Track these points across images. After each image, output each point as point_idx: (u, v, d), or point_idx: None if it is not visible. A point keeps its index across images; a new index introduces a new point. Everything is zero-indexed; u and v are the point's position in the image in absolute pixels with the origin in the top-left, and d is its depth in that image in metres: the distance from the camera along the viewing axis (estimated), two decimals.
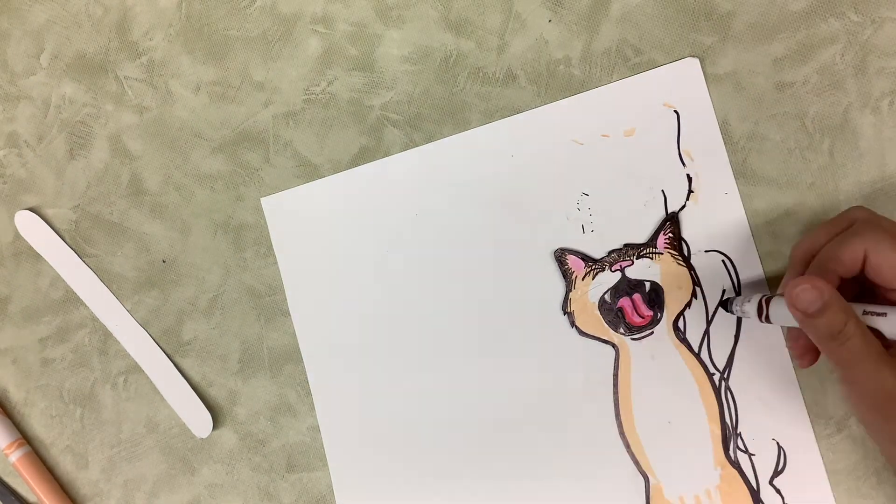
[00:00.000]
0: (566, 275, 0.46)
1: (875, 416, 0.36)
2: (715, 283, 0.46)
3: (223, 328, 0.49)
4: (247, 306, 0.49)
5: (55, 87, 0.50)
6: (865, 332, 0.35)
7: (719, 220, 0.46)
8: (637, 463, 0.45)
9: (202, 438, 0.49)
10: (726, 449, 0.45)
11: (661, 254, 0.46)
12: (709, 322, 0.46)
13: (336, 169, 0.49)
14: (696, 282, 0.46)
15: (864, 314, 0.36)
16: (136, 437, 0.49)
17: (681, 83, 0.47)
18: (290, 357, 0.48)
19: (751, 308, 0.42)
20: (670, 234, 0.46)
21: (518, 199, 0.47)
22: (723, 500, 0.45)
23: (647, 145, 0.47)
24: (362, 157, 0.48)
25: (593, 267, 0.46)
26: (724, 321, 0.46)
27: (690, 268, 0.46)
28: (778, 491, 0.44)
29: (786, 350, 0.45)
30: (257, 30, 0.49)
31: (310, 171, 0.49)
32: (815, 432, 0.45)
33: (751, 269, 0.46)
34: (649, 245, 0.46)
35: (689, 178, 0.46)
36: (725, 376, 0.45)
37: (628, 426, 0.46)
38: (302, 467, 0.48)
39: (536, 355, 0.46)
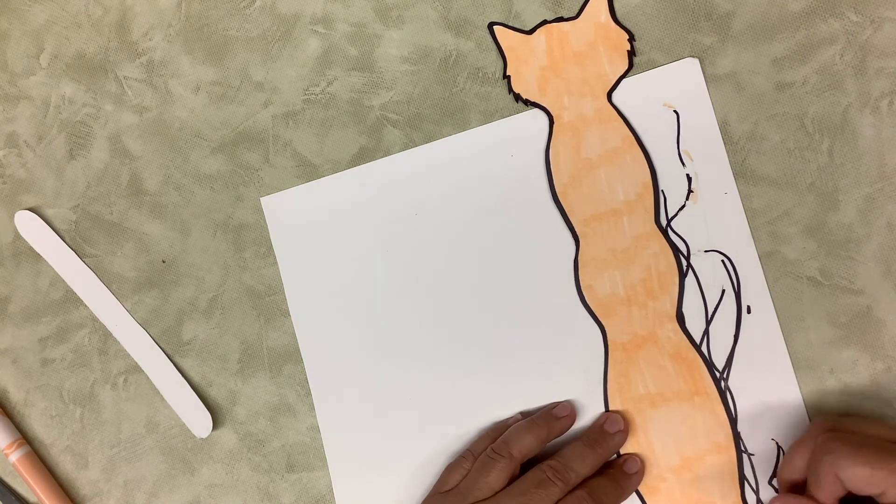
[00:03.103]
0: (502, 51, 0.47)
1: None
2: (714, 283, 0.46)
3: (223, 328, 0.49)
4: (247, 306, 0.49)
5: (55, 87, 0.50)
6: None
7: (719, 221, 0.46)
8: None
9: (202, 438, 0.49)
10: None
11: None
12: (708, 322, 0.46)
13: (336, 169, 0.49)
14: (632, 50, 0.46)
15: None
16: (136, 437, 0.49)
17: (680, 83, 0.46)
18: (289, 357, 0.48)
19: None
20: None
21: (518, 199, 0.47)
22: None
23: (646, 145, 0.47)
24: (362, 157, 0.48)
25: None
26: (723, 321, 0.46)
27: (630, 35, 0.46)
28: (777, 490, 0.44)
29: (786, 350, 0.45)
30: (257, 30, 0.49)
31: (310, 171, 0.49)
32: None
33: (750, 270, 0.46)
34: (576, 17, 0.47)
35: (689, 178, 0.46)
36: (725, 376, 0.45)
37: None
38: (302, 467, 0.48)
39: (537, 353, 0.47)
